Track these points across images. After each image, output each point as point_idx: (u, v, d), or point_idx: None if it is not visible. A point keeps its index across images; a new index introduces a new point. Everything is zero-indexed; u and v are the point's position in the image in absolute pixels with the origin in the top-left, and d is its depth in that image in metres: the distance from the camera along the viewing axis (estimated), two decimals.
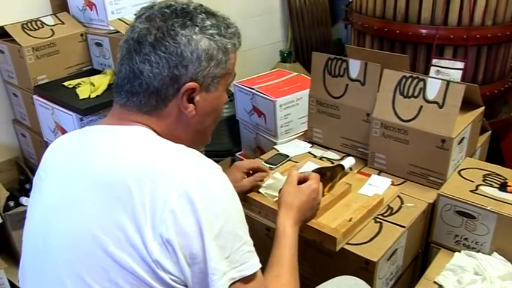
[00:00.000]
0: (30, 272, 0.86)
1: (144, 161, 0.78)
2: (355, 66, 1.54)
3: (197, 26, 0.84)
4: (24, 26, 1.85)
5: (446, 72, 2.05)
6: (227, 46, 0.87)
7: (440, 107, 1.37)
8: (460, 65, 2.05)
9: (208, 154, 1.50)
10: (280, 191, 1.17)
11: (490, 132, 1.79)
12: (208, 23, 0.85)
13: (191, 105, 0.86)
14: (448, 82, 1.36)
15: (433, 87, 1.38)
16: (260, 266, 0.81)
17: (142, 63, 0.83)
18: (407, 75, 1.43)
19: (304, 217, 1.14)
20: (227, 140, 2.29)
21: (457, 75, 2.05)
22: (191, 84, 0.84)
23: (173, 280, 0.74)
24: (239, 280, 0.77)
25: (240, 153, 2.20)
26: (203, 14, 0.86)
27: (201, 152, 0.85)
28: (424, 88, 1.40)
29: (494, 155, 2.02)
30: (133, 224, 0.73)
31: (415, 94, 1.41)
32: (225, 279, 0.75)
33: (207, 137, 0.98)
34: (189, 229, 0.73)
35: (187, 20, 0.84)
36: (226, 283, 0.75)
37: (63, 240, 0.79)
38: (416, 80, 1.41)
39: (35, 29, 1.84)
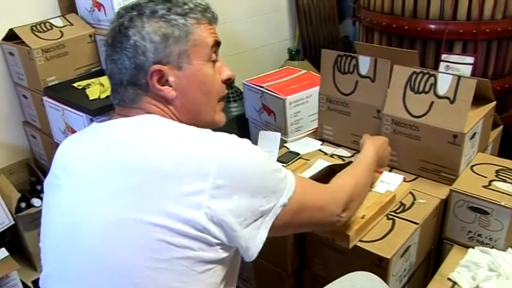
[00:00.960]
0: (56, 271, 0.86)
1: (171, 143, 0.81)
2: (364, 63, 1.53)
3: (143, 14, 0.89)
4: (33, 28, 1.85)
5: (456, 68, 2.04)
6: (184, 22, 0.89)
7: (452, 102, 1.36)
8: (470, 59, 2.04)
9: None
10: None
11: (501, 127, 1.77)
12: (158, 7, 0.89)
13: (166, 87, 0.90)
14: (459, 77, 1.35)
15: (444, 83, 1.37)
16: (295, 180, 0.91)
17: (110, 65, 0.91)
18: (418, 70, 1.42)
19: (380, 156, 1.31)
20: None
21: (467, 70, 2.04)
22: (155, 67, 0.87)
23: (217, 244, 0.80)
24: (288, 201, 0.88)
25: None
26: (152, 2, 0.91)
27: None
28: (434, 83, 1.39)
29: (505, 150, 2.01)
30: (173, 202, 0.76)
31: (426, 90, 1.40)
32: (275, 209, 0.86)
33: (210, 116, 0.97)
34: (236, 190, 0.79)
35: (134, 12, 0.89)
36: (276, 211, 0.86)
37: (97, 233, 0.80)
38: (427, 76, 1.40)
39: (44, 31, 1.85)
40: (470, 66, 2.03)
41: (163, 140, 0.83)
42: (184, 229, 0.76)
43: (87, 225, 0.80)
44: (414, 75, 1.42)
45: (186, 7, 0.91)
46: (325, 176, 1.31)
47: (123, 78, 0.90)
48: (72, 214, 0.83)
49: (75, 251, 0.82)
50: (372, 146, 1.29)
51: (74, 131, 1.71)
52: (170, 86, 0.90)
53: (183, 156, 0.79)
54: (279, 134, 1.31)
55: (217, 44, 0.95)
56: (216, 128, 0.99)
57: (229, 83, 1.01)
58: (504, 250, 1.31)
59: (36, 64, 1.76)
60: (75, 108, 1.66)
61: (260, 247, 0.85)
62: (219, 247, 0.80)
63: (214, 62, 0.95)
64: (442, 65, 2.06)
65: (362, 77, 1.55)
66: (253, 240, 0.83)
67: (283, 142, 1.88)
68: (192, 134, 0.85)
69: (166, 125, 0.87)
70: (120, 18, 0.90)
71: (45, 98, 1.79)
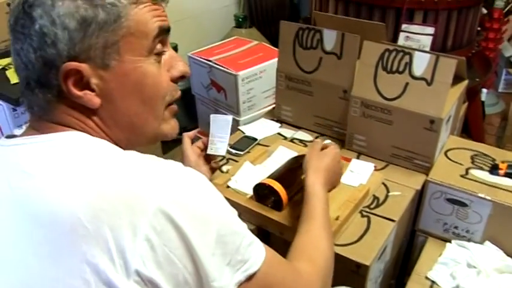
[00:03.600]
0: None
1: (93, 182, 0.58)
2: (330, 38, 1.37)
3: None
4: None
5: (416, 38, 1.93)
6: (114, 0, 0.63)
7: (429, 84, 1.23)
8: (430, 30, 1.92)
9: None
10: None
11: (467, 103, 1.68)
12: None
13: (86, 92, 0.64)
14: (438, 56, 1.22)
15: (420, 62, 1.24)
16: (264, 252, 0.69)
17: (13, 56, 0.66)
18: (391, 48, 1.27)
19: (330, 180, 1.09)
20: (182, 117, 2.08)
21: (427, 41, 1.93)
22: (69, 64, 0.62)
23: None
24: (246, 280, 0.66)
25: (198, 130, 2.00)
26: None
27: None
28: (410, 63, 1.25)
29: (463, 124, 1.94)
30: (93, 268, 0.55)
31: (400, 69, 1.26)
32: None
33: (153, 128, 0.73)
34: (176, 253, 0.58)
35: None
36: None
37: None
38: (401, 54, 1.26)
39: None
40: (431, 37, 1.93)
41: (82, 176, 0.59)
42: None
43: None
44: (387, 53, 1.27)
45: None
46: (291, 169, 1.16)
47: (30, 76, 0.64)
48: None
49: None
50: (319, 180, 1.02)
51: None
52: (92, 91, 0.65)
53: (106, 202, 0.57)
54: (231, 117, 1.18)
55: (164, 31, 0.69)
56: None
57: (183, 80, 0.76)
58: (481, 243, 1.22)
59: None
60: None
61: None
62: None
63: (159, 55, 0.70)
64: (401, 36, 1.94)
65: (327, 53, 1.38)
66: None
67: (236, 123, 1.71)
68: (121, 168, 0.61)
69: (89, 153, 0.63)
70: None
71: None
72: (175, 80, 0.73)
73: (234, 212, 0.67)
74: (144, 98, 0.69)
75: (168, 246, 0.57)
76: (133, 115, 0.69)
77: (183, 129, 2.06)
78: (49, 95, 0.64)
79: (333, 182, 1.11)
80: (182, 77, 0.74)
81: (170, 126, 0.75)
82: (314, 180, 1.02)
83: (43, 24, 0.61)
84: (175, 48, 2.07)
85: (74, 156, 0.62)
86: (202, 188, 0.63)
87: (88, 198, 0.57)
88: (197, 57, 1.81)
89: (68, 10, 0.61)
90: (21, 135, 0.68)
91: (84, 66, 0.63)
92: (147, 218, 0.56)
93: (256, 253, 0.67)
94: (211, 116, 1.18)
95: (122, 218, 0.56)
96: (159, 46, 0.69)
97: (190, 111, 2.04)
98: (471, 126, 2.30)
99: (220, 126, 1.17)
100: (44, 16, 0.61)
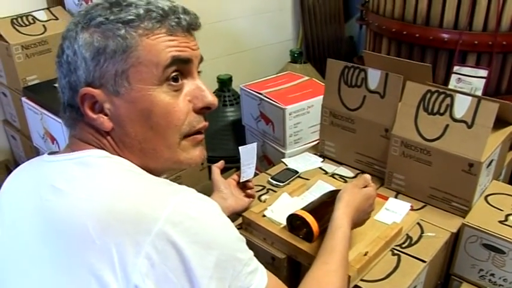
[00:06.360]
0: None
1: (105, 200, 0.64)
2: (374, 77, 1.40)
3: (80, 23, 0.70)
4: (14, 21, 1.70)
5: (468, 81, 1.92)
6: (124, 33, 0.68)
7: (469, 126, 1.23)
8: (484, 73, 1.91)
9: (211, 160, 1.35)
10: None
11: None
12: (98, 13, 0.70)
13: (100, 115, 0.71)
14: (480, 99, 1.22)
15: (461, 104, 1.24)
16: (266, 280, 0.72)
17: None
18: (433, 89, 1.28)
19: (357, 219, 1.08)
20: (232, 146, 2.15)
21: (479, 84, 1.91)
22: (84, 89, 0.69)
23: None
24: None
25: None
26: (98, 6, 0.71)
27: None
28: (451, 105, 1.25)
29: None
30: (98, 280, 0.61)
31: (441, 111, 1.27)
32: None
33: (166, 157, 0.75)
34: (174, 273, 0.61)
35: (77, 19, 0.72)
36: None
37: None
38: (442, 96, 1.27)
39: (26, 25, 1.69)
40: (484, 80, 1.91)
41: (96, 194, 0.65)
42: None
43: None
44: (429, 94, 1.29)
45: (132, 12, 0.69)
46: (325, 203, 1.18)
47: (64, 98, 0.74)
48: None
49: None
50: (347, 215, 1.03)
51: (52, 138, 1.57)
52: (106, 115, 0.72)
53: (114, 220, 0.62)
54: (255, 143, 1.28)
55: (180, 61, 0.72)
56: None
57: (209, 112, 0.78)
58: None
59: (15, 61, 1.62)
60: (54, 113, 1.51)
61: None
62: None
63: (174, 84, 0.72)
64: (453, 78, 1.93)
65: (371, 92, 1.41)
66: None
67: (281, 155, 1.76)
68: (132, 189, 0.66)
69: (107, 171, 0.69)
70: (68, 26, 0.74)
71: (23, 99, 1.64)
72: (198, 111, 0.77)
73: (241, 240, 0.70)
74: (152, 125, 0.72)
75: (167, 265, 0.60)
76: (142, 141, 0.73)
77: (233, 158, 2.12)
78: (74, 113, 0.73)
79: (357, 221, 1.11)
80: (207, 108, 0.77)
81: (189, 156, 0.77)
82: (343, 213, 1.02)
83: (68, 54, 0.70)
84: (229, 80, 2.16)
85: (93, 174, 0.69)
86: (209, 214, 0.67)
87: (99, 215, 0.62)
88: (248, 90, 1.88)
89: (85, 42, 0.69)
90: (60, 152, 0.76)
91: (97, 92, 0.70)
92: (150, 237, 0.60)
93: (257, 281, 0.69)
94: (240, 148, 1.25)
95: (127, 235, 0.60)
96: (173, 74, 0.72)
97: (240, 141, 2.11)
98: None
99: (248, 154, 1.26)
100: (69, 47, 0.70)
